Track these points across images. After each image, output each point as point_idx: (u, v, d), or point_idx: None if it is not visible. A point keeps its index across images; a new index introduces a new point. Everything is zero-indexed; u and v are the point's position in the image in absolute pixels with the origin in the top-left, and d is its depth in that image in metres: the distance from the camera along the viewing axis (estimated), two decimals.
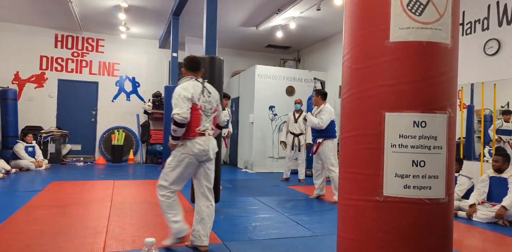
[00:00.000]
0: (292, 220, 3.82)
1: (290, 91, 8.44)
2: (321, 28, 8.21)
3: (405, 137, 1.38)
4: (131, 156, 9.11)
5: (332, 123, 4.95)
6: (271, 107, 8.28)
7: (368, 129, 1.44)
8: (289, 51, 10.53)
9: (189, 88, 2.70)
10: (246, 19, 7.75)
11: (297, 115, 6.67)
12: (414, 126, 1.38)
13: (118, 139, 9.01)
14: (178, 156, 2.72)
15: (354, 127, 1.50)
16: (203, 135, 2.72)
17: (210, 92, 2.83)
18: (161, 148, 8.48)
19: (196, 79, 2.82)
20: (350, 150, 1.51)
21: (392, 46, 1.43)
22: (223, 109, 4.75)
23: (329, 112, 4.96)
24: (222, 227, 3.43)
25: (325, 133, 4.95)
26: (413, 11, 1.42)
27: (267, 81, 8.25)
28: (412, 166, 1.37)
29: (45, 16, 7.94)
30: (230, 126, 6.28)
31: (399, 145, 1.38)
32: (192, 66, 2.85)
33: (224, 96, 5.67)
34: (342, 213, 1.54)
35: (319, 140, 4.99)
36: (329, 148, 4.91)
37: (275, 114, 8.25)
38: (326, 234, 3.32)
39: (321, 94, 5.17)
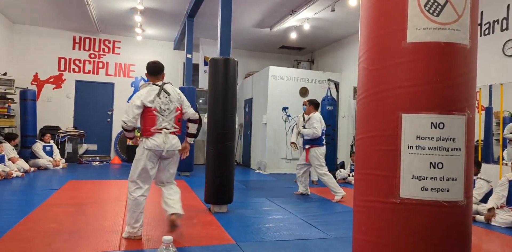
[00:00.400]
0: (305, 221, 3.80)
1: (303, 92, 8.42)
2: (335, 29, 8.17)
3: (423, 138, 1.36)
4: None
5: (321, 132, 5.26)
6: (284, 109, 8.28)
7: (385, 130, 1.43)
8: (303, 52, 10.51)
9: (142, 95, 3.01)
10: (260, 21, 7.77)
11: (306, 117, 6.64)
12: (431, 127, 1.36)
13: None
14: (139, 150, 3.07)
15: (370, 128, 1.48)
16: (160, 132, 3.03)
17: (168, 94, 3.10)
18: None
19: (154, 84, 3.11)
20: (366, 151, 1.50)
21: (410, 47, 1.42)
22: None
23: (319, 120, 5.27)
24: (235, 228, 3.44)
25: (312, 141, 5.25)
26: (431, 11, 1.41)
27: (281, 82, 8.25)
28: (430, 167, 1.35)
29: (64, 18, 8.12)
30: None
31: (416, 146, 1.36)
32: (152, 71, 3.18)
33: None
34: (358, 214, 1.53)
35: (307, 147, 5.29)
36: (314, 155, 5.20)
37: (289, 116, 8.25)
38: (341, 236, 3.30)
39: (314, 104, 5.48)
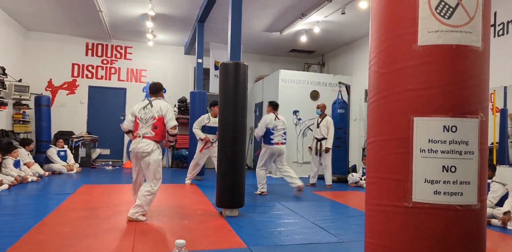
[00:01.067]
0: (317, 225, 3.78)
1: (314, 95, 8.40)
2: (345, 32, 8.15)
3: (435, 141, 1.35)
4: None
5: (267, 131, 5.62)
6: (295, 112, 8.27)
7: (396, 134, 1.42)
8: (313, 56, 10.50)
9: (136, 107, 3.95)
10: (270, 25, 7.80)
11: (319, 120, 6.68)
12: (444, 131, 1.35)
13: None
14: None
15: (382, 131, 1.48)
16: (137, 137, 3.81)
17: (152, 106, 3.87)
18: (187, 152, 8.60)
19: (148, 99, 3.99)
20: (377, 154, 1.49)
21: (421, 50, 1.41)
22: (215, 116, 6.02)
23: (263, 121, 5.69)
24: (247, 232, 3.44)
25: (262, 140, 5.72)
26: (442, 14, 1.40)
27: (291, 86, 8.25)
28: (443, 171, 1.33)
29: (77, 25, 8.28)
30: None
31: (428, 150, 1.35)
32: (152, 90, 4.07)
33: (212, 104, 6.47)
34: (370, 218, 1.52)
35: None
36: (261, 153, 5.72)
37: (299, 119, 8.23)
38: (353, 240, 3.27)
39: (272, 105, 5.89)
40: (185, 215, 4.07)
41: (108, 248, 2.86)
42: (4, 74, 6.99)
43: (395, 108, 1.44)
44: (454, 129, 1.34)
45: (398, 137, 1.42)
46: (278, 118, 5.76)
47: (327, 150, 6.53)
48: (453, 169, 1.33)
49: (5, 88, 7.08)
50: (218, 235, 3.33)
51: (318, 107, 6.79)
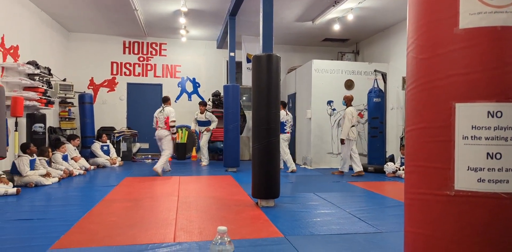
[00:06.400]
0: (354, 215, 3.75)
1: (349, 85, 8.24)
2: (381, 18, 7.89)
3: (479, 128, 1.30)
4: (194, 153, 9.53)
5: (281, 123, 6.84)
6: (329, 102, 8.16)
7: (437, 121, 1.38)
8: (347, 44, 10.26)
9: (156, 111, 6.91)
10: (302, 14, 7.69)
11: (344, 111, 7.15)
12: (488, 117, 1.29)
13: (181, 137, 9.47)
14: None
15: (422, 119, 1.44)
16: (158, 128, 6.78)
17: (163, 111, 6.75)
18: (222, 145, 8.75)
19: (162, 106, 6.86)
20: (416, 142, 1.45)
21: (462, 33, 1.35)
22: (202, 113, 8.26)
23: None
24: (283, 222, 3.48)
25: None
26: None
27: (325, 76, 8.13)
28: (487, 158, 1.28)
29: (114, 25, 8.59)
30: (213, 124, 8.31)
31: (471, 136, 1.30)
32: (163, 100, 7.02)
33: (199, 103, 8.48)
34: (409, 207, 1.49)
35: None
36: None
37: (334, 109, 8.11)
38: (391, 231, 3.22)
39: (282, 104, 6.89)
40: (222, 206, 4.17)
41: (152, 237, 3.00)
42: (50, 74, 7.40)
43: (435, 94, 1.40)
44: (499, 115, 1.28)
45: (439, 125, 1.37)
46: (287, 114, 7.19)
47: (341, 141, 6.83)
48: (498, 156, 1.27)
49: (51, 88, 7.50)
50: (255, 225, 3.39)
51: (343, 99, 7.03)
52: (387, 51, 8.63)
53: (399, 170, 6.65)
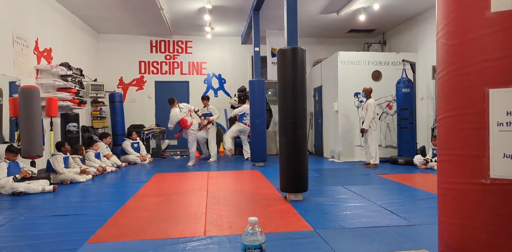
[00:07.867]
0: (385, 208, 3.69)
1: (376, 76, 8.05)
2: (408, 6, 7.63)
3: None
4: (221, 148, 9.63)
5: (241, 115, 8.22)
6: (356, 94, 8.01)
7: (470, 108, 1.33)
8: (373, 34, 10.02)
9: (175, 110, 7.47)
10: (326, 6, 7.57)
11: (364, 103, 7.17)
12: None
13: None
14: None
15: (454, 106, 1.39)
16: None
17: (183, 107, 7.60)
18: (249, 140, 8.79)
19: (178, 105, 7.51)
20: (449, 131, 1.41)
21: (494, 17, 1.29)
22: (204, 107, 8.46)
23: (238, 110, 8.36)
24: (312, 215, 3.47)
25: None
26: None
27: (351, 68, 7.98)
28: None
29: (141, 24, 8.78)
30: (214, 116, 8.45)
31: (506, 123, 1.25)
32: (169, 102, 7.50)
33: (202, 98, 8.64)
34: (443, 197, 1.45)
35: None
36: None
37: (361, 101, 7.96)
38: (424, 223, 3.15)
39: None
40: (251, 200, 4.20)
41: (183, 231, 3.07)
42: (82, 75, 7.67)
43: (467, 81, 1.35)
44: None
45: (472, 111, 1.33)
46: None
47: (361, 130, 6.89)
48: None
49: (83, 88, 7.78)
50: (284, 218, 3.40)
51: (363, 91, 7.04)
52: (415, 40, 8.35)
53: (431, 161, 6.46)
